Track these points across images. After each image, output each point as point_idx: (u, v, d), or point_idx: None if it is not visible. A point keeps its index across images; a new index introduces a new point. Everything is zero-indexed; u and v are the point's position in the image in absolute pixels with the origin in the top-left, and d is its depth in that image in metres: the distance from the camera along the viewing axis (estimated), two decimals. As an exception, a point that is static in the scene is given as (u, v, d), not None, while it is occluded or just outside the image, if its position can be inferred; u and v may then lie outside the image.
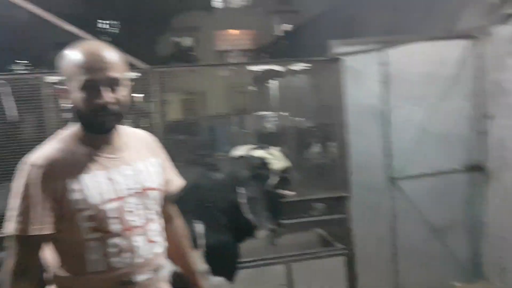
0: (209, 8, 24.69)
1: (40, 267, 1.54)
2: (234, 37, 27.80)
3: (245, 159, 3.82)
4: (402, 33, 7.49)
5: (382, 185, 5.09)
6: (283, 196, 3.73)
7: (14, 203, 1.46)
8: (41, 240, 1.48)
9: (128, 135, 1.71)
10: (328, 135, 4.83)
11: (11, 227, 1.46)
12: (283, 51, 19.91)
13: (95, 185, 1.51)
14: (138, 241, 1.56)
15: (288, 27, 27.92)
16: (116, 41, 18.29)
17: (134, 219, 1.57)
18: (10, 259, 1.45)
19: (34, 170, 1.46)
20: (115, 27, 18.48)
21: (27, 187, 1.45)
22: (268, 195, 3.62)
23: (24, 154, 1.49)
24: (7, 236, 1.47)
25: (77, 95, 1.50)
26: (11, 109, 4.18)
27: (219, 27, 25.31)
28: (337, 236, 4.99)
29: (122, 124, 1.72)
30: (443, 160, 5.17)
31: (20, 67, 19.43)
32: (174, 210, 1.94)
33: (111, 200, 1.52)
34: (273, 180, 3.82)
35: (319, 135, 4.96)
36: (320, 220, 5.00)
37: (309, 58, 4.63)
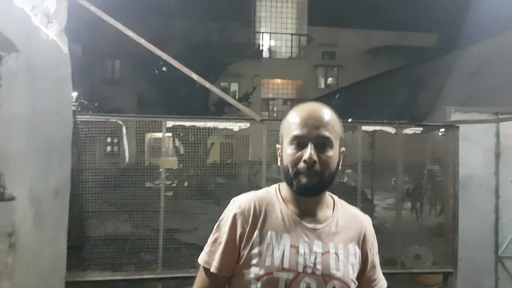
0: (258, 57, 25.28)
1: None
2: (279, 86, 28.28)
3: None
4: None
5: (487, 264, 4.73)
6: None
7: (212, 233, 1.47)
8: (220, 278, 1.43)
9: (341, 211, 1.49)
10: (436, 204, 4.56)
11: (201, 256, 1.46)
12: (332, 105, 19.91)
13: (277, 246, 1.37)
14: None
15: (333, 81, 28.43)
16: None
17: None
18: (195, 285, 1.48)
19: (231, 210, 1.44)
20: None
21: (221, 223, 1.45)
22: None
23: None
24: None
25: (286, 152, 1.41)
26: (126, 149, 4.14)
27: (265, 76, 25.79)
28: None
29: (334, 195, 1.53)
30: (555, 243, 4.79)
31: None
32: None
33: (285, 270, 1.35)
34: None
35: (426, 202, 4.70)
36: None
37: (425, 123, 4.45)
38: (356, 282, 1.43)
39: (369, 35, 26.31)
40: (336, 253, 1.40)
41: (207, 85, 4.19)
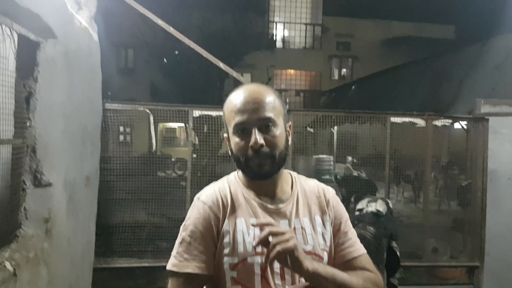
0: (271, 47, 25.05)
1: None
2: (292, 77, 28.10)
3: (369, 214, 3.71)
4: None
5: (515, 259, 4.67)
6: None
7: (179, 236, 1.38)
8: (194, 279, 1.32)
9: (301, 186, 1.50)
10: (463, 197, 4.51)
11: (173, 262, 1.33)
12: (345, 97, 19.79)
13: (246, 232, 1.36)
14: None
15: (347, 72, 28.18)
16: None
17: (279, 283, 1.32)
18: None
19: (199, 206, 1.39)
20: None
21: (189, 221, 1.38)
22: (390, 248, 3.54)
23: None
24: (168, 271, 1.35)
25: (233, 141, 1.38)
26: (153, 138, 4.14)
27: (278, 66, 25.59)
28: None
29: (293, 171, 1.53)
30: None
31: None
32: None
33: (258, 254, 1.32)
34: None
35: (452, 195, 4.65)
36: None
37: (453, 115, 4.39)
38: (331, 250, 1.42)
39: (386, 26, 25.94)
40: (303, 228, 1.40)
41: (234, 74, 4.16)
